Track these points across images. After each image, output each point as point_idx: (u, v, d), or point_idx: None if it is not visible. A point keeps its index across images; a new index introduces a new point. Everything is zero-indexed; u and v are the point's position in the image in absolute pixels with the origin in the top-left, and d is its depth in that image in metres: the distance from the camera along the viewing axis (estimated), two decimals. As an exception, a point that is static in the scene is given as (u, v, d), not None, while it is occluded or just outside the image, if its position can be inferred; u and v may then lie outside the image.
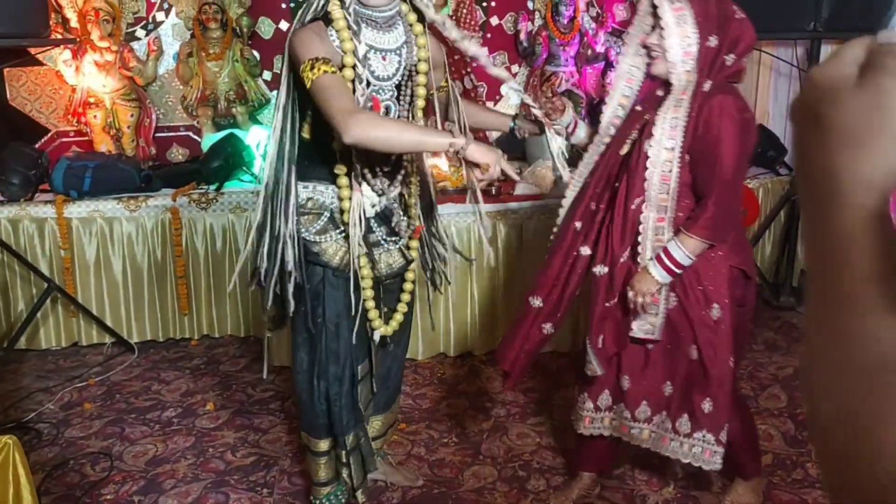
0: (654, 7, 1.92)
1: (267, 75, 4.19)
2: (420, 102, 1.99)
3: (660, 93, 2.00)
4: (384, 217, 2.06)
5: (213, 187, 3.49)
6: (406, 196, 2.12)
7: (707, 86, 1.88)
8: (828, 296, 0.49)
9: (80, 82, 3.86)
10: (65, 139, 4.01)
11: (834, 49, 0.53)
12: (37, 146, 3.90)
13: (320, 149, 1.95)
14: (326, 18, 1.85)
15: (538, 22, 4.28)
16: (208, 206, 3.44)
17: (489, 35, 4.35)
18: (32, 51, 3.79)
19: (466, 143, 1.74)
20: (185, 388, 3.16)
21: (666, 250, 1.93)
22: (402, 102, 1.97)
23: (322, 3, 1.88)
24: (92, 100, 3.86)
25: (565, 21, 4.14)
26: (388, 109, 1.94)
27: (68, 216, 3.37)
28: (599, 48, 4.27)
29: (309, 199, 1.99)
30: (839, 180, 0.48)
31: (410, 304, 2.25)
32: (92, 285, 3.44)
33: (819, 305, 0.49)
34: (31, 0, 3.24)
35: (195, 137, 4.14)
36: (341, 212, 1.98)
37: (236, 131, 3.85)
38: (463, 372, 3.27)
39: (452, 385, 3.15)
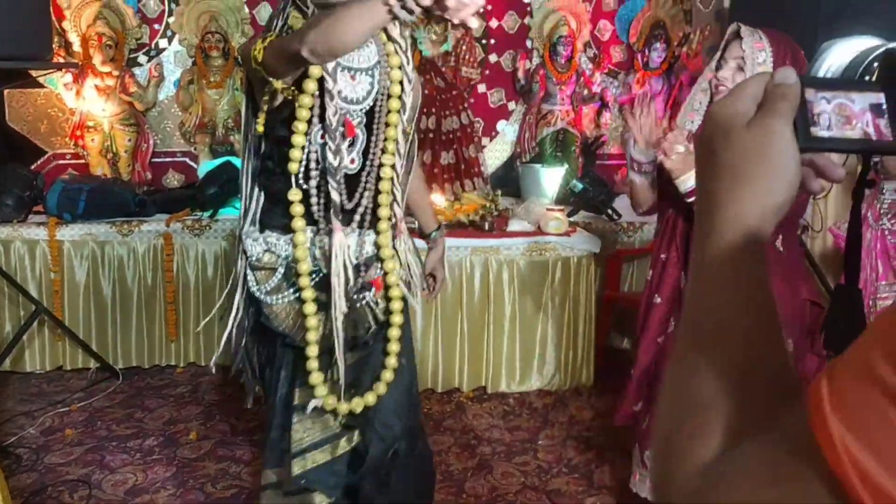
0: (728, 43, 1.89)
1: (266, 104, 4.22)
2: (391, 132, 1.70)
3: None
4: (356, 267, 1.76)
5: (207, 214, 3.50)
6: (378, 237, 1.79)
7: None
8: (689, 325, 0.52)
9: (79, 105, 3.88)
10: (61, 161, 4.02)
11: (737, 84, 0.54)
12: (32, 167, 3.91)
13: (276, 179, 1.69)
14: (288, 31, 1.61)
15: (536, 61, 4.33)
16: (201, 233, 3.44)
17: (488, 72, 4.40)
18: (34, 73, 3.82)
19: None
20: (168, 417, 3.13)
21: None
22: (375, 131, 1.69)
23: (284, 17, 1.64)
24: (91, 123, 3.88)
25: (563, 61, 4.20)
26: (352, 140, 1.67)
27: (60, 238, 3.37)
28: (596, 88, 4.32)
29: (266, 251, 1.74)
30: (717, 213, 0.51)
31: (399, 368, 1.84)
32: (80, 309, 3.42)
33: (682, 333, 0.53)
34: (34, 22, 3.27)
35: (191, 164, 4.15)
36: (296, 262, 1.69)
37: (233, 159, 3.87)
38: (449, 408, 3.24)
39: (438, 421, 3.12)
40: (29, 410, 3.13)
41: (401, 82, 1.68)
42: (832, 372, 0.37)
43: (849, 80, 0.55)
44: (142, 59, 4.08)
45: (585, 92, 4.31)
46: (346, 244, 1.69)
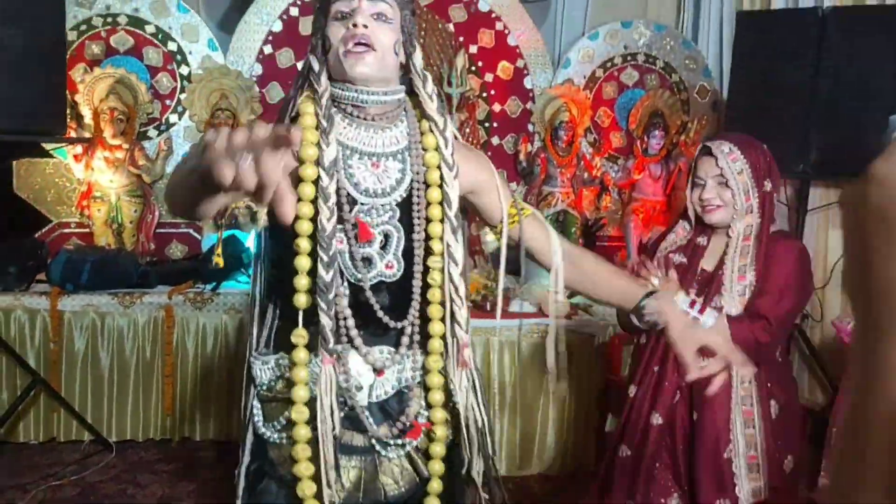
0: (697, 162, 1.98)
1: (271, 179, 4.28)
2: (435, 228, 1.38)
3: (701, 241, 2.03)
4: (385, 410, 1.40)
5: (209, 287, 3.51)
6: (423, 368, 1.43)
7: (772, 229, 1.96)
8: None
9: (87, 176, 3.93)
10: (66, 230, 4.04)
11: (888, 149, 0.49)
12: (37, 235, 3.94)
13: (282, 290, 1.37)
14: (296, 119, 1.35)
15: (538, 144, 4.44)
16: (203, 306, 3.44)
17: (490, 154, 4.50)
18: (46, 146, 3.88)
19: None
20: (160, 493, 3.06)
21: (704, 308, 1.91)
22: (414, 226, 1.38)
23: (294, 106, 1.37)
24: (98, 194, 3.93)
25: (563, 145, 4.30)
26: (386, 237, 1.36)
27: (62, 309, 3.36)
28: (596, 172, 4.41)
29: (279, 378, 1.40)
30: None
31: None
32: (77, 379, 3.39)
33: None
34: (50, 97, 3.36)
35: (195, 235, 4.19)
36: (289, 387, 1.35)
37: (237, 232, 3.91)
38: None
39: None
40: (20, 483, 3.06)
41: (439, 167, 1.37)
42: None
43: None
44: (152, 132, 4.16)
45: (586, 175, 4.40)
46: (350, 382, 1.34)
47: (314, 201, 1.27)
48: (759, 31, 3.60)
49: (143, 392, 3.44)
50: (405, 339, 1.40)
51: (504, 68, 4.49)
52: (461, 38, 4.41)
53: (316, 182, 1.27)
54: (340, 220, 1.31)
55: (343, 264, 1.33)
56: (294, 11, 4.26)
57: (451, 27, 4.40)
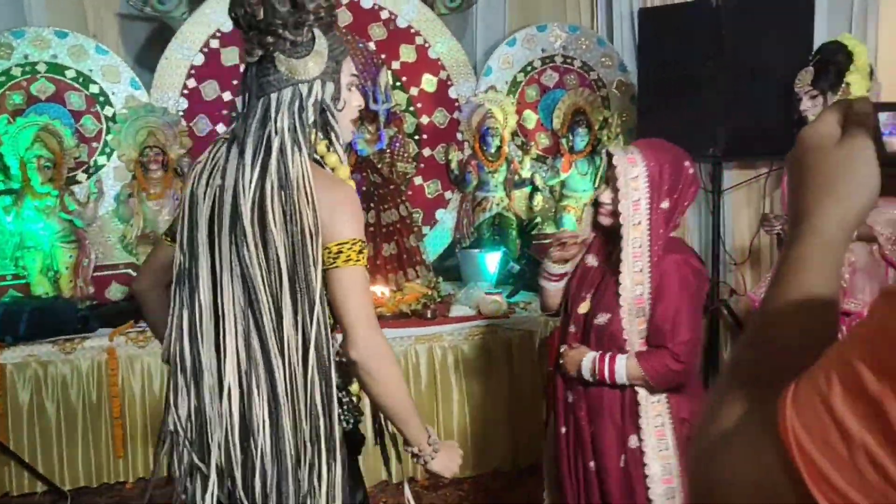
0: (608, 166, 1.97)
1: (208, 211, 4.31)
2: None
3: (609, 247, 2.07)
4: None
5: (151, 325, 3.51)
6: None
7: (658, 246, 1.92)
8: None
9: (18, 227, 3.91)
10: (1, 283, 4.00)
11: (820, 112, 0.72)
12: (-29, 292, 3.90)
13: None
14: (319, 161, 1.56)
15: (468, 151, 4.54)
16: (146, 344, 3.45)
17: (422, 165, 4.59)
18: (-29, 200, 3.84)
19: (433, 450, 1.59)
20: (119, 536, 3.06)
21: (613, 359, 1.94)
22: None
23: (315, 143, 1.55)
24: (30, 243, 3.91)
25: (492, 150, 4.41)
26: None
27: (3, 362, 3.33)
28: (525, 174, 4.53)
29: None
30: (805, 221, 0.62)
31: None
32: (25, 431, 3.36)
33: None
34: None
35: (134, 274, 4.18)
36: None
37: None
38: (404, 500, 3.23)
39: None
40: (-28, 543, 3.03)
41: None
42: (801, 375, 0.53)
43: None
44: (81, 176, 4.15)
45: (516, 178, 4.52)
46: None
47: None
48: (660, 25, 3.76)
49: (92, 437, 3.42)
50: None
51: (428, 81, 4.58)
52: (383, 56, 4.49)
53: None
54: None
55: None
56: (214, 44, 4.30)
57: (371, 45, 4.48)
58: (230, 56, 4.32)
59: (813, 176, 0.62)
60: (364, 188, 4.09)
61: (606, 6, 4.87)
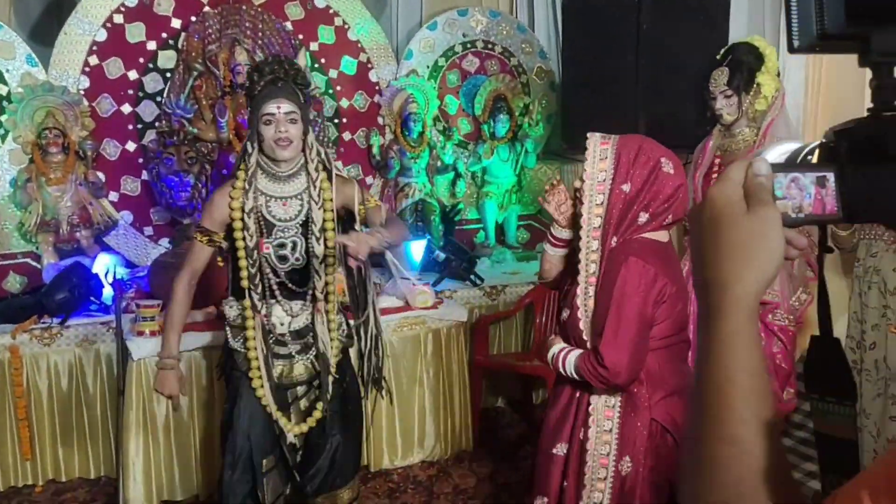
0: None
1: (114, 196, 4.08)
2: (329, 234, 2.25)
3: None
4: (299, 334, 2.31)
5: (57, 321, 3.30)
6: (324, 315, 2.31)
7: (614, 241, 1.83)
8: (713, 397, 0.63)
9: None
10: None
11: (723, 172, 0.68)
12: None
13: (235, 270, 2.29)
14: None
15: (389, 136, 4.48)
16: (52, 342, 3.24)
17: (342, 150, 4.50)
18: None
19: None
20: (28, 545, 2.89)
21: (568, 353, 1.90)
22: (309, 237, 2.25)
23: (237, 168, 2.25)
24: (-84, 233, 3.59)
25: (414, 136, 4.37)
26: (294, 245, 2.26)
27: None
28: (447, 160, 4.51)
29: (238, 315, 2.28)
30: (725, 293, 0.63)
31: (344, 404, 2.38)
32: (-84, 438, 3.11)
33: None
34: None
35: (34, 264, 3.91)
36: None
37: (81, 258, 3.70)
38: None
39: None
40: None
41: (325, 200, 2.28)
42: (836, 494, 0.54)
43: (804, 163, 0.69)
44: (-28, 160, 3.84)
45: (439, 164, 4.50)
46: (274, 321, 2.30)
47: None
48: (583, 19, 3.80)
49: (-4, 440, 3.20)
50: (308, 297, 2.31)
51: (348, 63, 4.48)
52: (300, 36, 4.35)
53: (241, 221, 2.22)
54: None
55: (271, 260, 2.26)
56: (118, 18, 4.04)
57: (288, 25, 4.33)
58: (136, 32, 4.08)
59: (727, 243, 0.63)
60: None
61: (527, -8, 4.89)
